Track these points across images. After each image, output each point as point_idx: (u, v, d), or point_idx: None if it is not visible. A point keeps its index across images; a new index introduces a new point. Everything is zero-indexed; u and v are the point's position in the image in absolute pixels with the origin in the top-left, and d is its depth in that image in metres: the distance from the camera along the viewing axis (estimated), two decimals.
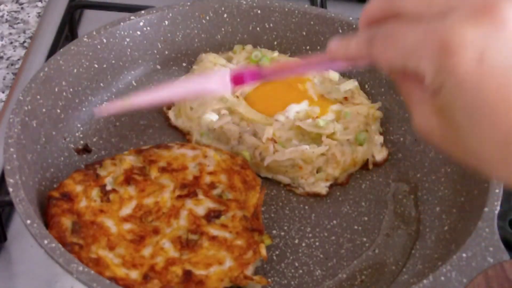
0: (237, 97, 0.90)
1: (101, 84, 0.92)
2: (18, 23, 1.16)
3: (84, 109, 0.90)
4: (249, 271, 0.71)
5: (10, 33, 1.13)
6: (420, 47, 0.47)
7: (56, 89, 0.84)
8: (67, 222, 0.72)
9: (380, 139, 0.90)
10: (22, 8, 1.19)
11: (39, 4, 1.20)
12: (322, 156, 0.85)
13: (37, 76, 0.81)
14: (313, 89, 0.92)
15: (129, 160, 0.80)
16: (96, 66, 0.91)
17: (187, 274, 0.69)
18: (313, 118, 0.87)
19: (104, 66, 0.92)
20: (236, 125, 0.88)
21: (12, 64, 1.07)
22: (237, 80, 0.65)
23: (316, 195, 0.85)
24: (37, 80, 0.81)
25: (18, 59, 1.08)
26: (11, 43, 1.11)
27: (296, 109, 0.89)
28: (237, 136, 0.87)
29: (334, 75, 0.95)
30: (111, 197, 0.76)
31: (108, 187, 0.77)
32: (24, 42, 1.12)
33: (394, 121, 0.93)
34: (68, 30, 1.11)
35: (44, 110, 0.81)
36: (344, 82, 0.95)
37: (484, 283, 0.66)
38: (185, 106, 0.91)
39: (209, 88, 0.67)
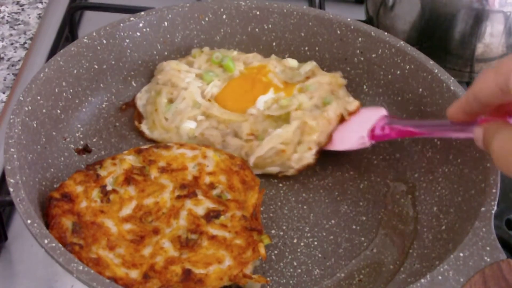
0: (209, 100, 0.90)
1: (101, 85, 0.93)
2: (19, 24, 1.16)
3: (84, 109, 0.90)
4: (248, 270, 0.71)
5: (11, 34, 1.14)
6: None
7: (56, 90, 0.85)
8: (67, 222, 0.72)
9: (350, 98, 0.91)
10: (22, 9, 1.19)
11: (40, 5, 1.20)
12: (297, 130, 0.85)
13: (38, 77, 0.81)
14: (277, 78, 0.93)
15: (129, 160, 0.80)
16: (96, 67, 0.91)
17: (187, 273, 0.69)
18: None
19: (104, 67, 0.92)
20: (216, 129, 0.88)
21: (12, 65, 1.08)
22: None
23: (307, 168, 0.85)
24: (38, 81, 0.81)
25: (19, 60, 1.08)
26: (12, 44, 1.12)
27: (264, 99, 0.90)
28: (221, 140, 0.87)
29: (293, 62, 0.96)
30: (111, 197, 0.76)
31: (109, 188, 0.77)
32: (25, 43, 1.12)
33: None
34: (68, 31, 1.12)
35: (44, 110, 0.82)
36: (302, 65, 0.95)
37: (481, 282, 0.66)
38: (159, 118, 0.89)
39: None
